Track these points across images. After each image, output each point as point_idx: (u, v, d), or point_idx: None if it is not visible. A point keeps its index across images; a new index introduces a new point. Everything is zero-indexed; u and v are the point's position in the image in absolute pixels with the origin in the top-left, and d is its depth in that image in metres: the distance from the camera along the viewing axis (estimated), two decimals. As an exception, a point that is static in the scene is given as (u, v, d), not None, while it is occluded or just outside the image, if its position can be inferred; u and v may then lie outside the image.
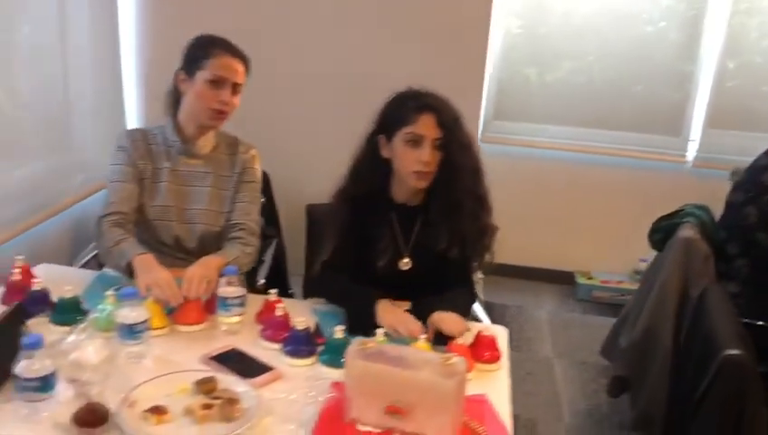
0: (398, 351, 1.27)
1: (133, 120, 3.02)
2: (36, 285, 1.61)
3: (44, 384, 1.23)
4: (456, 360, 1.23)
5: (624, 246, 3.85)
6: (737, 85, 3.69)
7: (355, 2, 2.90)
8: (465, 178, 1.69)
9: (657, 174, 3.83)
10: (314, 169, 2.80)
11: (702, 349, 1.69)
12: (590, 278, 3.92)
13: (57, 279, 1.68)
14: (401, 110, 1.67)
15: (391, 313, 1.61)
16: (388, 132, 1.70)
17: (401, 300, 1.75)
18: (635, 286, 3.44)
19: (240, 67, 1.90)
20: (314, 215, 2.23)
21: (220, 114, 1.89)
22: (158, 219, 1.93)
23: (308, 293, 1.94)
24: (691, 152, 3.81)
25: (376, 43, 2.87)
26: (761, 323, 2.07)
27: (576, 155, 3.90)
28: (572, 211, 3.97)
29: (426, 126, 1.64)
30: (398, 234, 1.78)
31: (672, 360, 2.11)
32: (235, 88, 1.89)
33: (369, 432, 1.22)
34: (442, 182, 1.70)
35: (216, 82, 1.86)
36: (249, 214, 1.98)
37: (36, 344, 1.23)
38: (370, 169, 1.75)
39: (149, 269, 1.66)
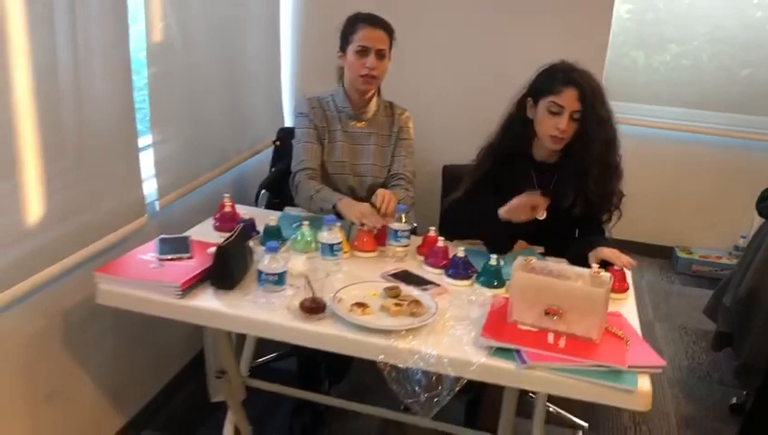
0: (554, 266, 1.58)
1: (287, 88, 3.41)
2: (244, 216, 2.01)
3: (279, 279, 1.61)
4: (605, 274, 1.52)
5: (726, 224, 4.01)
6: None
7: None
8: (596, 150, 1.92)
9: (761, 154, 3.95)
10: (450, 134, 3.13)
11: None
12: (689, 253, 4.09)
13: (250, 215, 2.08)
14: (550, 80, 1.95)
15: (510, 204, 1.89)
16: (535, 97, 1.99)
17: (535, 245, 2.05)
18: (734, 261, 3.61)
19: (381, 35, 2.20)
20: (450, 174, 2.55)
21: (370, 78, 2.21)
22: (336, 173, 2.31)
23: (441, 229, 2.20)
24: (798, 133, 3.92)
25: (507, 27, 3.15)
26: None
27: (681, 134, 4.07)
28: (675, 188, 4.14)
29: (568, 98, 1.91)
30: (535, 186, 2.07)
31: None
32: (380, 53, 2.19)
33: (529, 330, 1.53)
34: (575, 149, 1.96)
35: (362, 52, 2.18)
36: (406, 166, 2.34)
37: (274, 248, 1.61)
38: (518, 127, 2.04)
39: (353, 206, 2.03)
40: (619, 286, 1.80)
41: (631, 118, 4.02)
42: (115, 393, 2.15)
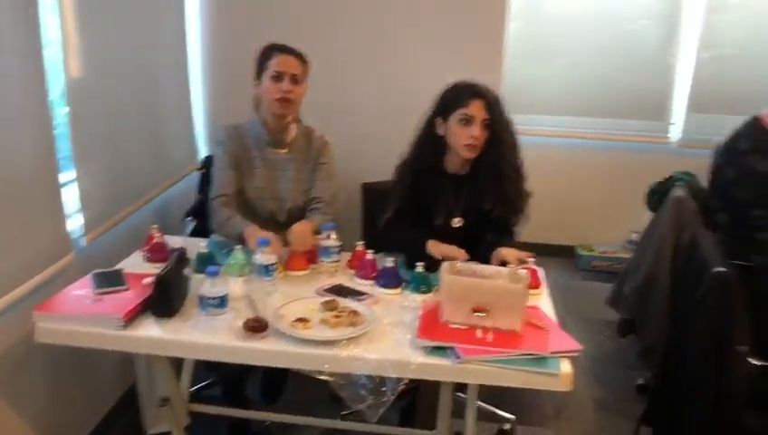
0: (478, 267, 1.73)
1: (201, 117, 3.45)
2: (174, 245, 2.05)
3: (221, 302, 1.67)
4: (522, 272, 1.68)
5: (619, 220, 4.34)
6: (713, 74, 4.18)
7: (388, 17, 3.33)
8: (506, 152, 2.14)
9: (645, 155, 4.33)
10: (367, 152, 3.23)
11: (694, 278, 2.14)
12: (590, 250, 4.41)
13: (179, 244, 2.12)
14: (457, 95, 2.12)
15: (438, 246, 2.04)
16: (445, 114, 2.15)
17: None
18: (628, 255, 3.93)
19: (295, 61, 2.30)
20: (370, 191, 2.68)
21: (286, 102, 2.29)
22: (256, 198, 2.37)
23: (375, 246, 2.35)
24: (674, 134, 4.32)
25: (411, 46, 3.31)
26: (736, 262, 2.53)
27: (572, 141, 4.39)
28: (572, 191, 4.45)
29: (476, 109, 2.09)
30: (451, 197, 2.23)
31: (670, 297, 2.57)
32: (294, 78, 2.28)
33: (459, 328, 1.66)
34: (488, 154, 2.14)
35: (277, 77, 2.27)
36: (325, 190, 2.42)
37: (215, 273, 1.67)
38: (429, 145, 2.20)
39: (257, 234, 2.09)
40: (533, 284, 1.97)
41: (527, 128, 4.28)
42: (53, 433, 2.12)
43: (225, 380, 2.46)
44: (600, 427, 2.74)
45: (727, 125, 2.99)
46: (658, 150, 4.33)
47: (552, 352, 1.58)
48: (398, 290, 1.94)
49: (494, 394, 2.59)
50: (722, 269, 1.94)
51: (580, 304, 3.80)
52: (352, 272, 2.06)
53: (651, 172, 3.26)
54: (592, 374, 3.05)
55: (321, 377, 1.63)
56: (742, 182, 2.70)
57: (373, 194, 2.71)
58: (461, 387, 2.16)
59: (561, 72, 4.39)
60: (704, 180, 3.01)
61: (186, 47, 3.27)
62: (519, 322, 1.65)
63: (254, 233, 2.10)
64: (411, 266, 1.98)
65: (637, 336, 2.93)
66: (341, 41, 3.35)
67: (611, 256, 4.33)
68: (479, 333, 1.63)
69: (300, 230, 2.10)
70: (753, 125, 2.81)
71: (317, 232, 2.16)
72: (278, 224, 2.37)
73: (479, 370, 1.55)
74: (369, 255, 2.04)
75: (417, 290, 1.91)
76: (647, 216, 3.08)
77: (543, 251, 4.28)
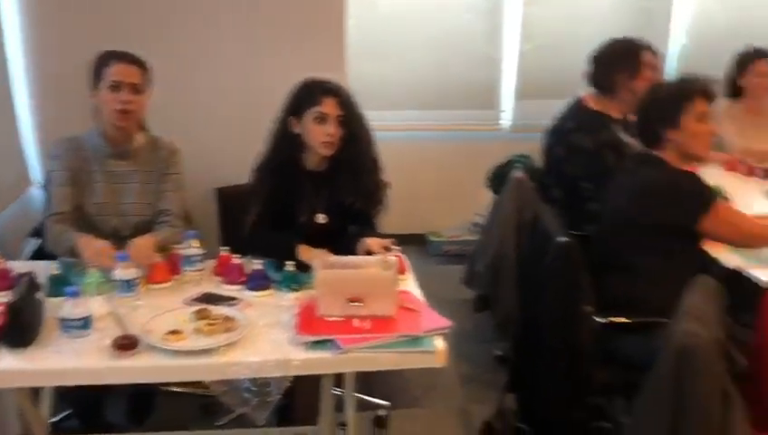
0: (348, 259, 1.77)
1: (29, 132, 3.18)
2: (19, 270, 1.89)
3: (85, 323, 1.58)
4: (391, 259, 1.75)
5: (463, 205, 4.57)
6: (534, 63, 4.53)
7: (230, 17, 3.26)
8: (362, 146, 2.20)
9: (482, 142, 4.59)
10: (220, 156, 3.14)
11: (539, 250, 2.32)
12: (440, 236, 4.62)
13: (25, 269, 1.96)
14: (308, 94, 2.14)
15: (309, 251, 2.05)
16: (298, 113, 2.16)
17: (322, 247, 2.23)
18: (475, 236, 4.16)
19: (134, 70, 2.20)
20: (226, 195, 2.63)
21: (125, 113, 2.19)
22: (97, 214, 2.23)
23: (240, 251, 2.31)
24: (506, 121, 4.63)
25: (250, 48, 3.25)
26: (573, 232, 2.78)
27: (413, 133, 4.57)
28: (416, 182, 4.62)
29: (330, 106, 2.12)
30: (312, 195, 2.25)
31: (519, 270, 2.77)
32: (134, 88, 2.19)
33: (336, 320, 1.70)
34: (345, 150, 2.19)
35: (115, 87, 2.17)
36: (173, 201, 2.33)
37: (75, 293, 1.57)
38: (285, 144, 2.20)
39: (89, 245, 1.97)
40: (400, 269, 2.05)
41: (374, 124, 4.41)
42: None
43: (78, 407, 2.32)
44: (469, 399, 2.90)
45: (552, 109, 3.28)
46: (493, 137, 4.61)
47: (425, 332, 1.66)
48: (269, 291, 1.93)
49: (365, 384, 2.66)
50: (564, 239, 2.12)
51: (437, 287, 3.89)
52: (219, 279, 2.02)
53: (489, 157, 3.48)
54: (455, 351, 3.17)
55: (199, 388, 1.60)
56: (571, 158, 2.98)
57: (229, 198, 2.67)
58: (335, 382, 2.21)
59: (397, 68, 4.54)
60: (538, 161, 3.27)
61: (5, 60, 3.00)
62: (393, 307, 1.71)
63: (87, 244, 1.98)
64: (280, 267, 1.98)
65: (492, 311, 3.12)
66: (181, 44, 3.23)
67: (460, 239, 4.56)
68: (357, 323, 1.68)
69: (139, 245, 2.01)
70: (577, 106, 3.10)
71: (163, 248, 2.07)
72: (122, 240, 2.24)
73: (361, 357, 1.59)
74: (235, 259, 2.01)
75: (289, 289, 1.92)
76: (488, 199, 3.29)
77: (398, 241, 4.45)
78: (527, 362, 2.48)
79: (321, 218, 2.23)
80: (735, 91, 3.68)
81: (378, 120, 4.43)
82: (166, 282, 1.98)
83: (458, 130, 4.63)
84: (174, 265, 2.01)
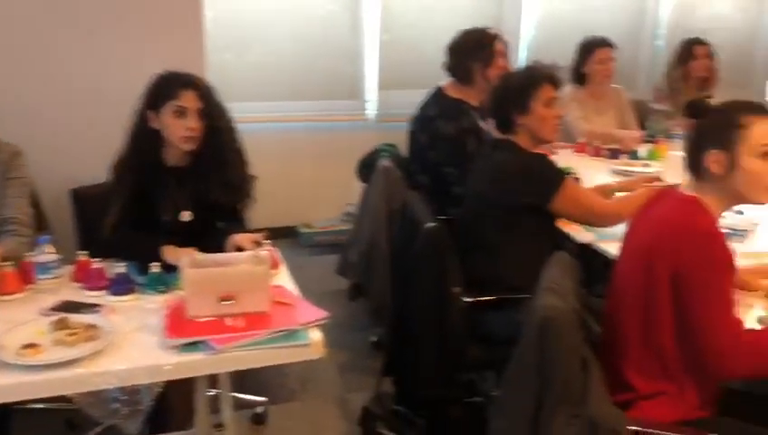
0: (217, 256, 1.73)
1: None
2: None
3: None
4: (263, 253, 1.72)
5: (333, 196, 4.59)
6: (395, 54, 4.62)
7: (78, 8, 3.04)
8: (225, 139, 2.15)
9: (349, 132, 4.63)
10: (73, 156, 2.93)
11: (409, 236, 2.38)
12: (311, 227, 4.60)
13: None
14: (166, 87, 2.05)
15: (175, 251, 1.96)
16: (156, 107, 2.07)
17: (189, 246, 2.15)
18: (346, 226, 4.20)
19: None
20: (82, 196, 2.48)
21: None
22: None
23: (99, 254, 2.18)
24: (371, 111, 4.69)
25: (102, 41, 3.07)
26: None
27: (280, 125, 4.52)
28: (285, 174, 4.58)
29: (189, 99, 2.05)
30: (175, 192, 2.16)
31: (391, 257, 2.82)
32: None
33: (208, 319, 1.65)
34: (208, 144, 2.12)
35: None
36: (20, 208, 2.16)
37: None
38: (144, 140, 2.10)
39: None
40: (273, 264, 2.03)
41: (237, 116, 4.31)
42: None
43: None
44: (346, 387, 2.92)
45: (415, 99, 3.36)
46: (359, 127, 4.66)
47: (301, 325, 1.66)
48: (134, 295, 1.84)
49: (241, 381, 2.62)
50: (431, 224, 2.19)
51: (311, 278, 3.90)
52: (79, 285, 1.90)
53: (356, 147, 3.52)
54: (332, 341, 3.18)
55: (63, 402, 1.50)
56: (434, 145, 3.08)
57: (86, 199, 2.51)
58: (209, 383, 2.15)
59: (261, 60, 4.46)
60: (403, 149, 3.35)
61: None
62: (267, 302, 1.69)
63: None
64: (144, 269, 1.89)
65: (366, 298, 3.17)
66: (24, 39, 2.99)
67: (331, 229, 4.57)
68: (229, 321, 1.64)
69: None
70: (438, 94, 3.20)
71: (9, 259, 1.90)
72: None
73: (236, 356, 1.56)
74: (95, 264, 1.90)
75: (156, 291, 1.84)
76: (358, 188, 3.33)
77: (268, 234, 4.40)
78: (402, 345, 2.54)
79: (185, 216, 2.16)
80: (580, 77, 3.95)
81: (243, 111, 4.33)
82: (18, 292, 1.83)
83: (325, 120, 4.63)
84: (26, 274, 1.87)
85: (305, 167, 4.63)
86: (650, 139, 3.79)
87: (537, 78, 2.35)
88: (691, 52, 4.04)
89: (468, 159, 2.71)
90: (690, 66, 4.04)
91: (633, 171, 3.27)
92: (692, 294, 1.62)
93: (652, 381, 1.71)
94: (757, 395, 1.79)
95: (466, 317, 2.29)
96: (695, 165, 1.73)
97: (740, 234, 2.30)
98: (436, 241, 2.18)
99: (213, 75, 4.17)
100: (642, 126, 4.03)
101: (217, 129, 2.11)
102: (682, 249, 1.63)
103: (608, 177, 3.21)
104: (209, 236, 2.12)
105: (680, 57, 4.08)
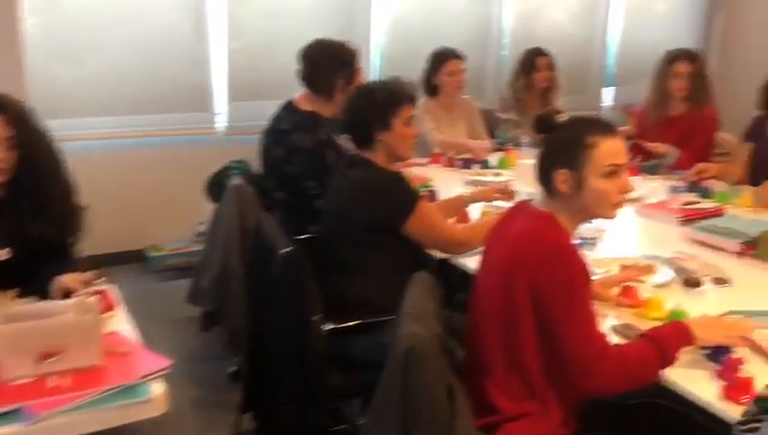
0: (36, 306, 1.49)
1: None
2: None
3: None
4: (91, 299, 1.51)
5: (184, 214, 4.30)
6: (245, 63, 4.41)
7: None
8: (44, 167, 1.89)
9: (198, 146, 4.37)
10: None
11: (264, 261, 2.24)
12: (160, 250, 4.30)
13: None
14: None
15: None
16: None
17: (8, 289, 1.88)
18: (200, 247, 3.95)
19: None
20: None
21: None
22: None
23: None
24: (221, 124, 4.46)
25: None
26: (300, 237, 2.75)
27: (121, 141, 4.19)
28: (129, 194, 4.25)
29: None
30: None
31: (246, 283, 2.65)
32: None
33: (26, 382, 1.42)
34: (23, 175, 1.86)
35: None
36: None
37: None
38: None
39: None
40: (106, 306, 1.81)
41: (66, 134, 3.89)
42: None
43: None
44: (203, 427, 2.72)
45: (266, 110, 3.22)
46: (209, 141, 4.42)
47: (141, 377, 1.46)
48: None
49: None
50: (288, 250, 2.06)
51: (161, 307, 3.69)
52: None
53: (206, 162, 3.32)
54: (185, 376, 3.00)
55: None
56: (291, 159, 2.95)
57: None
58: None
59: (97, 72, 4.08)
60: (255, 165, 3.18)
61: None
62: (97, 355, 1.48)
63: None
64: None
65: (222, 327, 2.97)
66: None
67: (183, 251, 4.29)
68: (53, 381, 1.42)
69: None
70: (290, 107, 3.08)
71: None
72: None
73: (62, 423, 1.34)
74: None
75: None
76: (210, 206, 3.12)
77: (112, 261, 4.05)
78: (261, 375, 2.38)
79: (2, 254, 1.88)
80: (432, 88, 3.97)
81: (77, 128, 4.02)
82: None
83: (172, 134, 4.34)
84: None
85: (151, 185, 4.31)
86: (500, 147, 3.88)
87: (401, 97, 2.31)
88: (533, 63, 4.19)
89: (328, 171, 2.60)
90: (533, 77, 4.19)
91: (485, 181, 3.31)
92: (553, 312, 1.61)
93: (517, 403, 1.69)
94: (621, 406, 1.82)
95: (329, 344, 2.18)
96: (545, 182, 1.74)
97: (590, 242, 2.37)
98: (293, 268, 2.06)
99: (38, 90, 3.82)
100: (492, 135, 4.12)
101: (34, 157, 1.85)
102: (540, 267, 1.62)
103: (462, 187, 3.23)
104: (32, 278, 1.86)
105: (523, 68, 4.22)
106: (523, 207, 1.84)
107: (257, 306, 2.44)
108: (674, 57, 3.58)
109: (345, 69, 2.97)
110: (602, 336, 1.65)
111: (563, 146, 1.71)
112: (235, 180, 2.80)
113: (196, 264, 3.22)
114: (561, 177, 1.68)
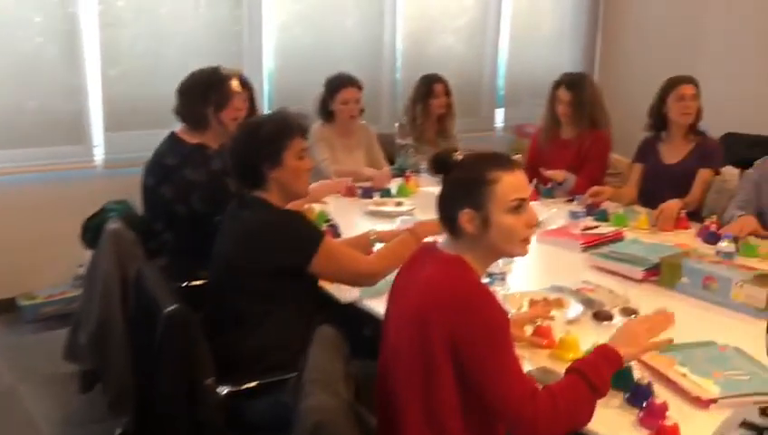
0: None
1: None
2: None
3: None
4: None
5: (62, 257, 3.91)
6: (123, 90, 4.08)
7: None
8: None
9: (76, 181, 3.99)
10: None
11: (149, 317, 2.00)
12: (33, 298, 3.89)
13: None
14: None
15: None
16: None
17: None
18: (79, 292, 3.60)
19: None
20: None
21: None
22: None
23: None
24: (99, 156, 4.11)
25: None
26: (185, 283, 2.52)
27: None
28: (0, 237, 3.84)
29: None
30: None
31: (128, 338, 2.39)
32: None
33: None
34: None
35: None
36: None
37: None
38: None
39: None
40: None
41: None
42: None
43: None
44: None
45: (148, 141, 2.96)
46: (88, 175, 4.04)
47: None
48: None
49: None
50: (174, 307, 1.84)
51: (36, 362, 3.32)
52: None
53: (84, 198, 3.02)
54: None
55: None
56: (184, 196, 2.71)
57: None
58: None
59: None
60: (137, 203, 2.91)
61: None
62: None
63: None
64: None
65: (104, 385, 2.67)
66: None
67: (60, 298, 3.90)
68: None
69: None
70: (173, 141, 2.84)
71: None
72: None
73: None
74: None
75: None
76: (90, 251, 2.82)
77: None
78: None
79: None
80: (328, 114, 3.83)
81: None
82: None
83: (44, 170, 3.93)
84: None
85: (22, 227, 3.88)
86: (399, 174, 3.79)
87: (290, 129, 2.15)
88: (430, 89, 4.14)
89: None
90: (430, 103, 4.13)
91: (387, 210, 3.20)
92: (477, 364, 1.49)
93: (439, 469, 1.55)
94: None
95: (224, 407, 1.97)
96: (449, 224, 1.64)
97: (499, 277, 2.29)
98: (179, 329, 1.84)
99: None
100: (391, 161, 4.03)
101: None
102: (457, 317, 1.50)
103: (364, 218, 3.10)
104: None
105: (420, 94, 4.16)
106: (429, 250, 1.72)
107: (143, 365, 2.20)
108: (557, 83, 3.64)
109: (213, 95, 2.77)
110: (531, 381, 1.55)
111: (465, 185, 1.62)
112: (113, 224, 2.53)
113: (74, 309, 2.90)
114: (466, 217, 1.59)
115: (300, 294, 2.14)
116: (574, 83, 3.61)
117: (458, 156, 1.64)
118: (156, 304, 1.93)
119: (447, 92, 4.17)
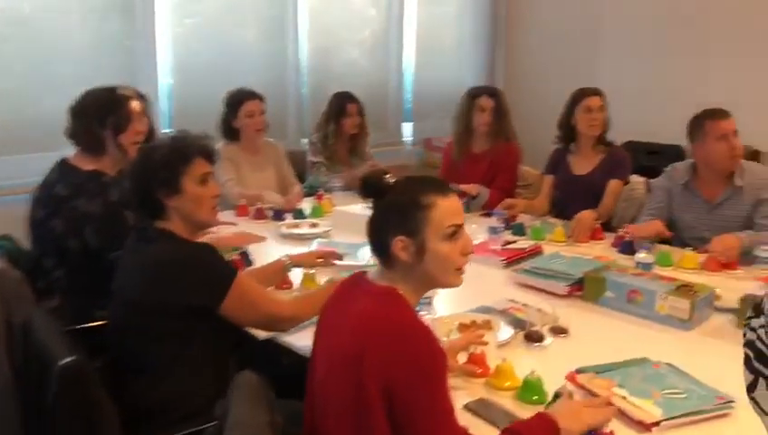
0: None
1: None
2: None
3: None
4: None
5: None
6: (5, 109, 3.71)
7: None
8: None
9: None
10: None
11: (40, 370, 1.77)
12: None
13: None
14: None
15: None
16: None
17: None
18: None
19: None
20: None
21: None
22: None
23: None
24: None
25: None
26: (80, 326, 2.26)
27: None
28: None
29: None
30: None
31: (16, 392, 2.12)
32: None
33: None
34: None
35: None
36: None
37: None
38: None
39: None
40: None
41: None
42: None
43: None
44: None
45: (34, 166, 2.68)
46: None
47: None
48: None
49: None
50: (69, 359, 1.62)
51: None
52: None
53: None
54: None
55: None
56: (76, 230, 2.44)
57: None
58: None
59: None
60: (23, 237, 2.62)
61: None
62: None
63: None
64: None
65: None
66: None
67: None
68: None
69: None
70: (64, 168, 2.57)
71: None
72: None
73: None
74: None
75: None
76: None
77: None
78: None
79: None
80: (232, 132, 3.64)
81: None
82: None
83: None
84: None
85: None
86: (311, 193, 3.64)
87: (187, 152, 1.95)
88: (343, 108, 4.03)
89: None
90: (342, 122, 4.02)
91: (302, 233, 3.04)
92: (412, 406, 1.38)
93: None
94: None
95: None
96: (381, 251, 1.52)
97: (426, 301, 2.18)
98: (77, 383, 1.62)
99: None
100: (301, 179, 3.88)
101: None
102: (392, 356, 1.39)
103: (278, 243, 2.94)
104: None
105: (332, 112, 4.04)
106: (359, 281, 1.60)
107: (34, 426, 1.94)
108: (476, 93, 3.62)
109: (110, 116, 2.52)
110: (464, 431, 1.45)
111: (398, 209, 1.51)
112: (-5, 264, 2.25)
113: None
114: (400, 244, 1.49)
115: (213, 333, 1.94)
116: (495, 91, 3.63)
117: (390, 178, 1.52)
118: (48, 355, 1.70)
119: (361, 112, 4.07)
